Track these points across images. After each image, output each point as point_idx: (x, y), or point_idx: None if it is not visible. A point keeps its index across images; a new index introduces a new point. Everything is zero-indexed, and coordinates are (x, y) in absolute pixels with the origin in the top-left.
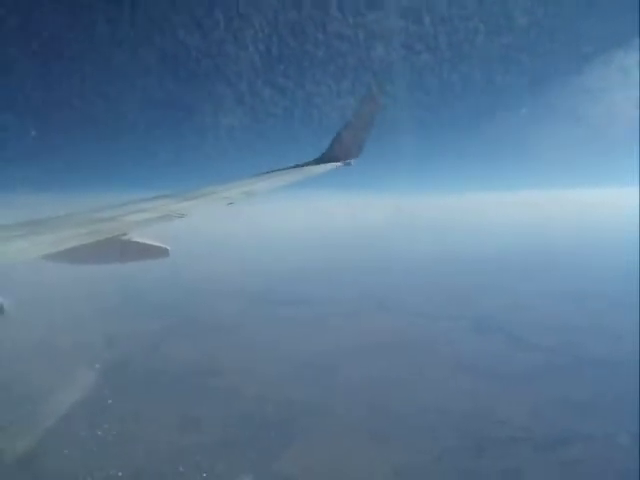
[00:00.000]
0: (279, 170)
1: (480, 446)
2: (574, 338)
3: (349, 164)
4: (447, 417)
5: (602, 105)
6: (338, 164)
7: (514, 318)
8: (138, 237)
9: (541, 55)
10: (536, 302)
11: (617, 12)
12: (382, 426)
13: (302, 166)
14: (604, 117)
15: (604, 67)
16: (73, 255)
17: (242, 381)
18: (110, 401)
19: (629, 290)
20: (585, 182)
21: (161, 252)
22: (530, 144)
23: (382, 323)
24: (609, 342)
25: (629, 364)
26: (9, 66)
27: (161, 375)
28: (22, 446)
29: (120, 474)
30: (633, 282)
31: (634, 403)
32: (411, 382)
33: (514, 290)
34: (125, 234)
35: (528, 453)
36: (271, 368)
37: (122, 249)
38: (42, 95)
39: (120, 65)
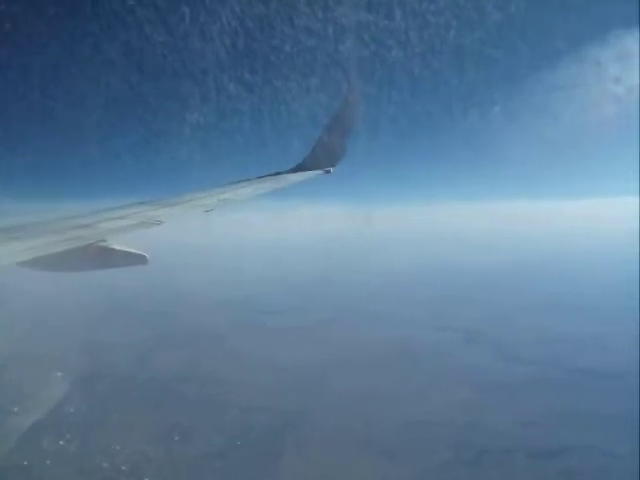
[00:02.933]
0: (258, 178)
1: (476, 458)
2: (567, 350)
3: (329, 172)
4: (441, 429)
5: (577, 102)
6: (318, 172)
7: (503, 330)
8: (116, 244)
9: (514, 51)
10: (526, 314)
11: (590, 6)
12: (372, 438)
13: (281, 174)
14: (579, 114)
15: (578, 63)
16: (50, 262)
17: (227, 390)
18: (76, 411)
19: (624, 302)
20: (565, 189)
21: (139, 259)
22: (505, 148)
23: (367, 333)
24: (603, 355)
25: (624, 376)
26: None
27: (141, 385)
28: None
29: None
30: (626, 293)
31: (628, 414)
32: (400, 393)
33: (503, 302)
34: (103, 241)
35: (524, 464)
36: (256, 377)
37: (100, 256)
38: (13, 104)
39: (92, 70)
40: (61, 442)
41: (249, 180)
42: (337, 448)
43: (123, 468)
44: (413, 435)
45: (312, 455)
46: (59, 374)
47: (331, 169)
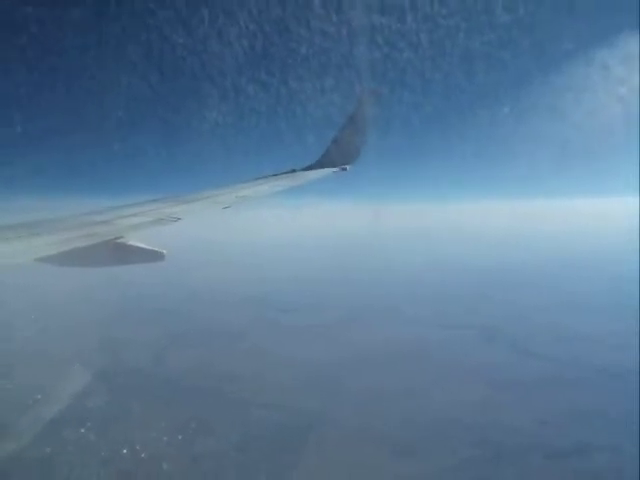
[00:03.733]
0: (274, 175)
1: (496, 455)
2: (578, 349)
3: (345, 169)
4: (458, 426)
5: (585, 104)
6: (334, 170)
7: (514, 328)
8: (134, 240)
9: (523, 53)
10: (532, 312)
11: (597, 11)
12: (393, 436)
13: (298, 171)
14: (587, 116)
15: (586, 65)
16: (68, 258)
17: (242, 387)
18: (95, 402)
19: (631, 300)
20: (573, 188)
21: (157, 256)
22: (514, 149)
23: (383, 331)
24: (613, 352)
25: (634, 374)
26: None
27: (161, 381)
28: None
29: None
30: (634, 292)
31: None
32: (417, 391)
33: (509, 300)
34: (121, 237)
35: (542, 462)
36: (272, 375)
37: (118, 252)
38: (37, 98)
39: (110, 68)
40: (82, 430)
41: (266, 177)
42: (354, 445)
43: (143, 455)
44: (429, 433)
45: (329, 452)
46: (76, 367)
47: (347, 167)
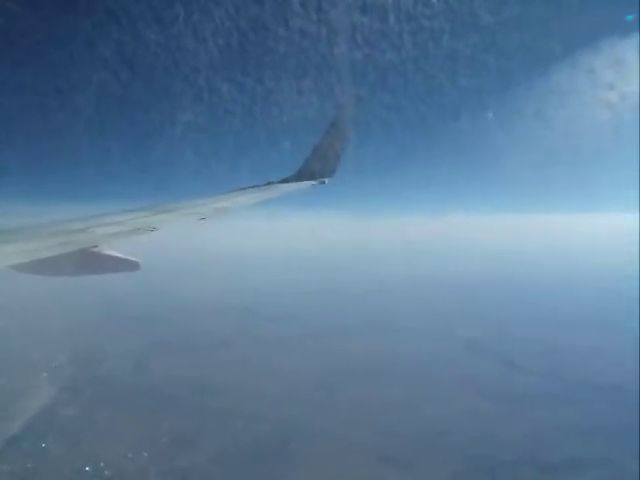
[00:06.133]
0: (252, 187)
1: (488, 469)
2: (564, 363)
3: (323, 183)
4: (450, 438)
5: (570, 108)
6: (313, 183)
7: (503, 342)
8: (109, 250)
9: (507, 56)
10: (523, 327)
11: (584, 14)
12: (377, 446)
13: (276, 183)
14: (572, 119)
15: (571, 69)
16: (42, 266)
17: (216, 395)
18: (63, 414)
19: (619, 314)
20: (559, 202)
21: (131, 265)
22: (506, 160)
23: (363, 343)
24: (602, 366)
25: (622, 388)
26: None
27: (127, 390)
28: None
29: None
30: (619, 305)
31: (627, 426)
32: (403, 402)
33: (500, 315)
34: (96, 246)
35: (534, 476)
36: (246, 383)
37: (93, 261)
38: (11, 108)
39: (90, 75)
40: (43, 444)
41: (244, 189)
42: (339, 456)
43: (107, 473)
44: (413, 443)
45: (313, 463)
46: (44, 377)
47: (326, 180)
